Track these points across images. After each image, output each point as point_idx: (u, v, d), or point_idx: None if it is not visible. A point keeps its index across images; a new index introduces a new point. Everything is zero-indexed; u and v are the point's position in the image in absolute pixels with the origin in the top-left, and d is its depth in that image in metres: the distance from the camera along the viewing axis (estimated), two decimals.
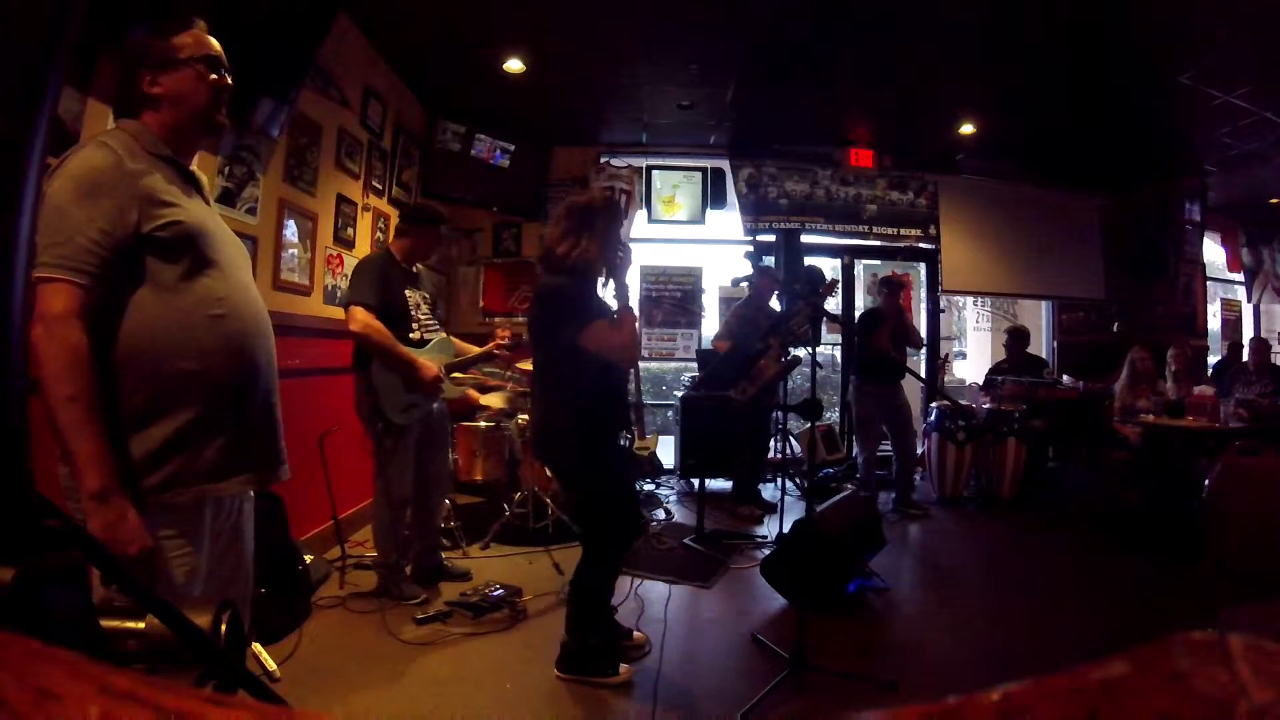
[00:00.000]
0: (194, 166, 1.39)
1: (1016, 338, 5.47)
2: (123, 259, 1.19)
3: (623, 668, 2.27)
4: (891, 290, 4.72)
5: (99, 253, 1.16)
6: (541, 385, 2.31)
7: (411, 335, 2.83)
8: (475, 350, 3.15)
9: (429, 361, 2.81)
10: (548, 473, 3.83)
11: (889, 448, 4.88)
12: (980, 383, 5.74)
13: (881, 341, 4.53)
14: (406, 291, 2.88)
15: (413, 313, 2.87)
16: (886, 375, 4.61)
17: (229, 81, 1.36)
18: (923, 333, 5.46)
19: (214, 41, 1.35)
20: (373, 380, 2.73)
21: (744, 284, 4.95)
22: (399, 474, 2.84)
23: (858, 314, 5.95)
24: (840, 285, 5.53)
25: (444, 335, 3.02)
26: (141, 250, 1.22)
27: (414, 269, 3.00)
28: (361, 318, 2.67)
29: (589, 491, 2.28)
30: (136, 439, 1.21)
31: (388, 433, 2.79)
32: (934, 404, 5.26)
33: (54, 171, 1.19)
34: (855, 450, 5.04)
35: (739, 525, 4.30)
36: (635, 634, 2.57)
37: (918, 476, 4.98)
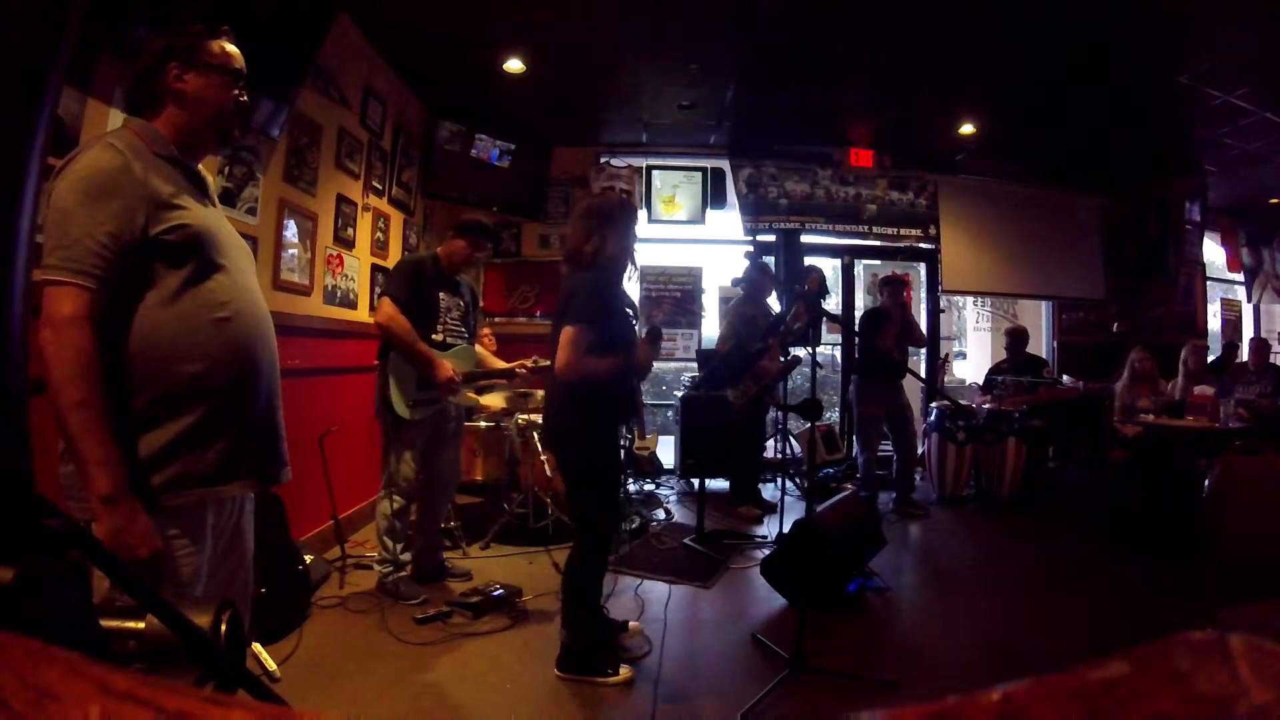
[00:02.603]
0: (198, 167, 1.39)
1: (1016, 338, 5.47)
2: (129, 262, 1.19)
3: (623, 668, 2.27)
4: (894, 289, 4.73)
5: (107, 256, 1.15)
6: (555, 375, 2.31)
7: (434, 336, 2.91)
8: (499, 364, 3.24)
9: (446, 362, 2.86)
10: (548, 472, 3.83)
11: (888, 448, 4.88)
12: (980, 383, 5.74)
13: (886, 341, 4.53)
14: (441, 294, 2.96)
15: (442, 315, 2.96)
16: (888, 374, 4.61)
17: (246, 99, 1.39)
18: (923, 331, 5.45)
19: (241, 57, 1.37)
20: (388, 371, 2.83)
21: (743, 285, 4.95)
22: (404, 468, 2.88)
23: (858, 314, 5.96)
24: (826, 280, 5.47)
25: (468, 346, 3.09)
26: (148, 253, 1.21)
27: (456, 276, 3.07)
28: (387, 309, 2.79)
29: (584, 478, 2.30)
30: (141, 439, 1.21)
31: (396, 426, 2.86)
32: (934, 404, 5.26)
33: (59, 173, 1.18)
34: (855, 450, 5.05)
35: (738, 525, 4.30)
36: (630, 624, 2.59)
37: (918, 476, 4.98)
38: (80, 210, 1.15)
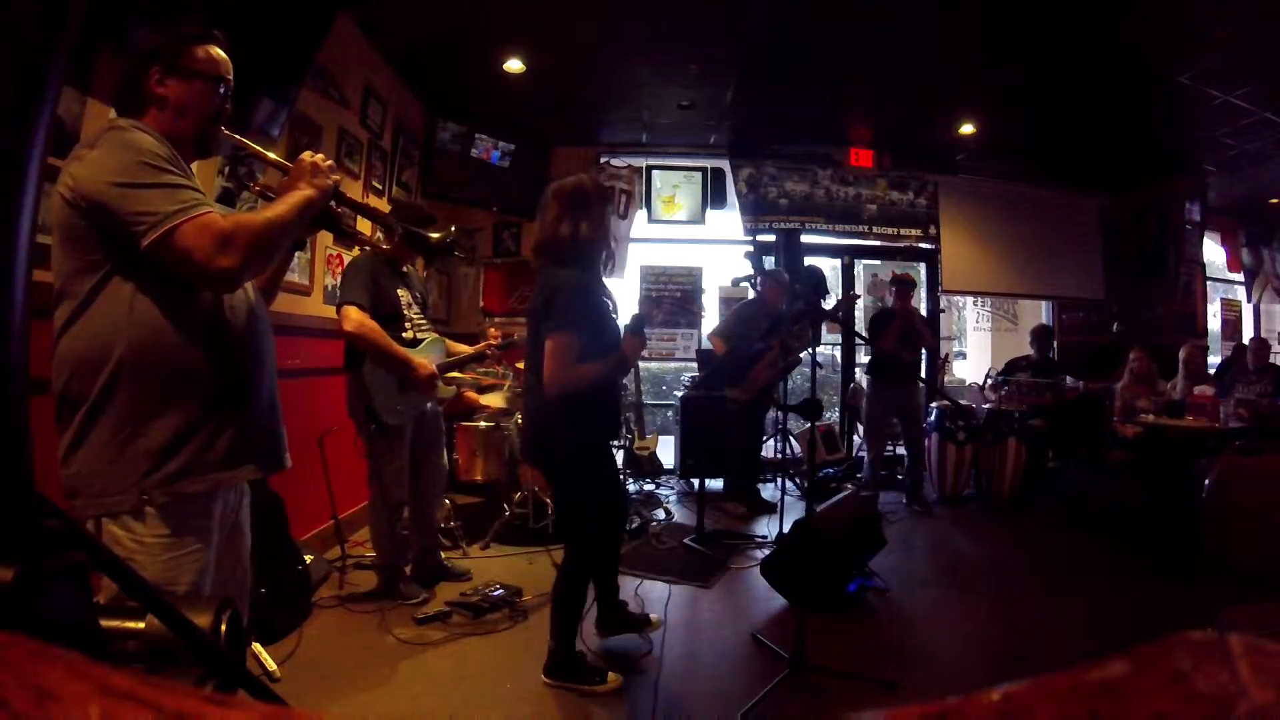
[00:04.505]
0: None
1: (1042, 337, 5.49)
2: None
3: (610, 676, 2.25)
4: (902, 289, 4.75)
5: (206, 203, 1.23)
6: (538, 381, 2.15)
7: (405, 335, 2.80)
8: (467, 350, 3.13)
9: (424, 360, 2.79)
10: None
11: (890, 449, 4.91)
12: (981, 382, 5.75)
13: (888, 342, 4.55)
14: (398, 291, 2.85)
15: (405, 312, 2.85)
16: (895, 375, 4.62)
17: (230, 108, 1.38)
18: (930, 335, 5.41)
19: (229, 63, 1.36)
20: (365, 380, 2.70)
21: (744, 284, 4.95)
22: (394, 475, 2.82)
23: (858, 314, 5.96)
24: (825, 280, 5.42)
25: (436, 335, 3.00)
26: None
27: (404, 269, 2.96)
28: (356, 317, 2.64)
29: (574, 496, 2.21)
30: (153, 428, 1.22)
31: (381, 434, 2.77)
32: (934, 404, 5.26)
33: (100, 151, 1.17)
34: (858, 447, 5.06)
35: (729, 523, 4.31)
36: (653, 617, 2.65)
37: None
38: (154, 175, 1.18)
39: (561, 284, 2.06)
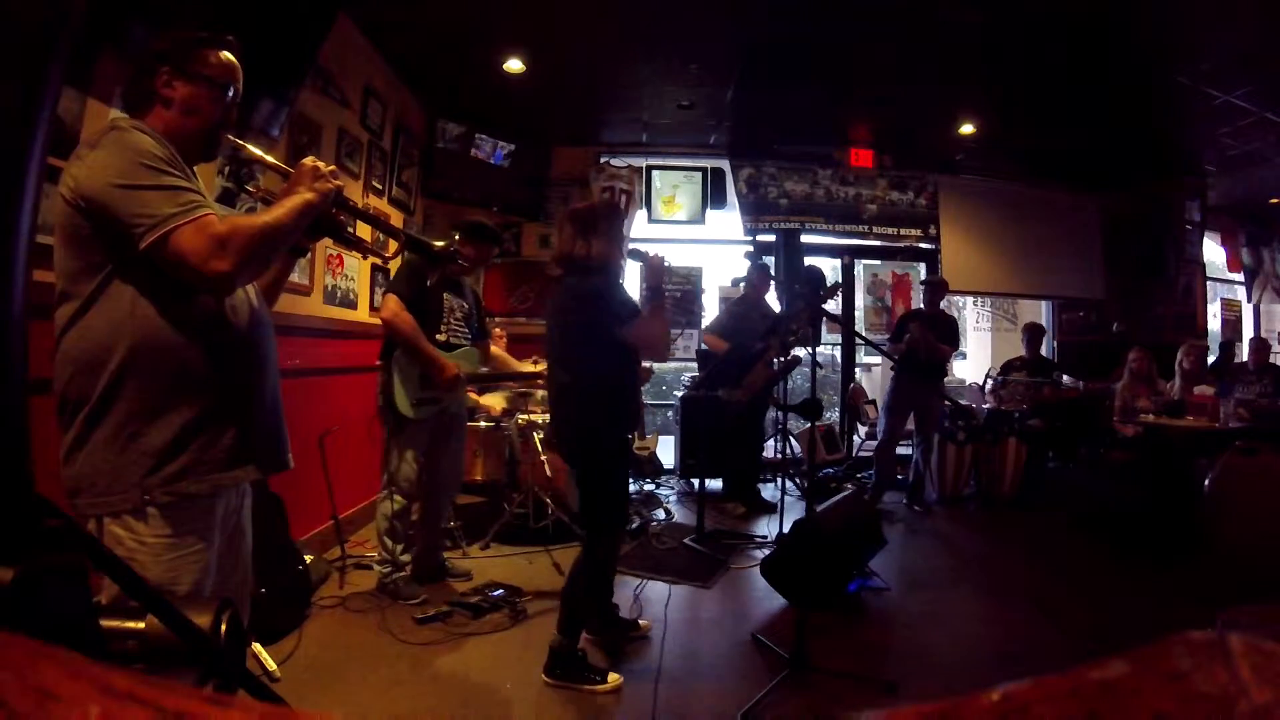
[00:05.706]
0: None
1: (1034, 334, 5.49)
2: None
3: (611, 676, 2.25)
4: (932, 290, 4.84)
5: (205, 204, 1.22)
6: (574, 382, 2.25)
7: (438, 337, 2.92)
8: (516, 366, 3.31)
9: (451, 362, 2.88)
10: (548, 472, 3.83)
11: (904, 448, 4.94)
12: (980, 382, 5.75)
13: (911, 340, 4.58)
14: (446, 295, 2.99)
15: (446, 316, 2.98)
16: (918, 373, 4.64)
17: (234, 115, 1.39)
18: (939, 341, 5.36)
19: (239, 69, 1.36)
20: (392, 370, 2.85)
21: (744, 284, 4.96)
22: (406, 468, 2.89)
23: (858, 314, 5.98)
24: (841, 287, 5.47)
25: (472, 348, 3.10)
26: None
27: (460, 278, 3.10)
28: (392, 306, 2.81)
29: (603, 485, 2.27)
30: (155, 428, 1.22)
31: (399, 425, 2.87)
32: None
33: (101, 151, 1.17)
34: (858, 447, 5.04)
35: (729, 523, 4.32)
36: (641, 622, 2.65)
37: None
38: (154, 177, 1.18)
39: (593, 293, 2.22)
